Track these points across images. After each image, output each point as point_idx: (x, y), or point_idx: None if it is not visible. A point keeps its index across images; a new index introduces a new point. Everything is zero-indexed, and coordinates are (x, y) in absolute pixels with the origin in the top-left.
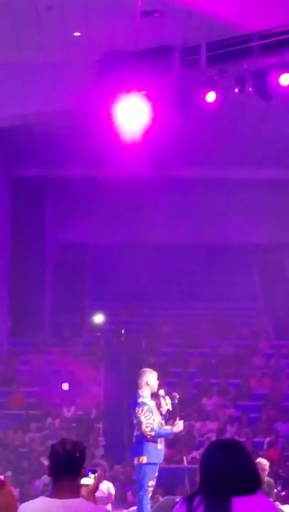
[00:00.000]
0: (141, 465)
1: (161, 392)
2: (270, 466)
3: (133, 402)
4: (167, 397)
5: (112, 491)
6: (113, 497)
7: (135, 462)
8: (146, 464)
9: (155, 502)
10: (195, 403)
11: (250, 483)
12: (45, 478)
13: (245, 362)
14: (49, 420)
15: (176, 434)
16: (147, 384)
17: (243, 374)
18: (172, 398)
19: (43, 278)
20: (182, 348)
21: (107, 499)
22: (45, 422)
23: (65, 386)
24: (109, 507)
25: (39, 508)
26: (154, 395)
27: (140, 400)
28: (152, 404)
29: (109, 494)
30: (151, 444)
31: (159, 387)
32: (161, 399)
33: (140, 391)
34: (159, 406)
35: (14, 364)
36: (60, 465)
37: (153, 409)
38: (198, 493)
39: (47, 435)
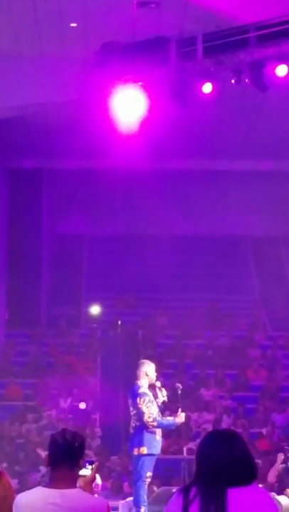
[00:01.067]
0: (140, 456)
1: (158, 383)
2: (266, 457)
3: (132, 392)
4: (163, 389)
5: (99, 481)
6: (100, 487)
7: (135, 453)
8: (146, 454)
9: (151, 493)
10: (192, 394)
11: (247, 474)
12: (43, 470)
13: (242, 353)
14: (46, 411)
15: (177, 425)
16: (146, 375)
17: (239, 365)
18: (175, 389)
19: (40, 269)
20: (179, 339)
21: (94, 489)
22: (41, 413)
23: (82, 405)
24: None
25: (36, 497)
26: (151, 387)
27: (141, 390)
28: (150, 394)
29: (96, 485)
30: (151, 435)
31: (156, 378)
32: (158, 390)
33: (139, 382)
34: (155, 397)
35: (11, 355)
36: (58, 454)
37: (153, 400)
38: (194, 484)
39: (43, 426)
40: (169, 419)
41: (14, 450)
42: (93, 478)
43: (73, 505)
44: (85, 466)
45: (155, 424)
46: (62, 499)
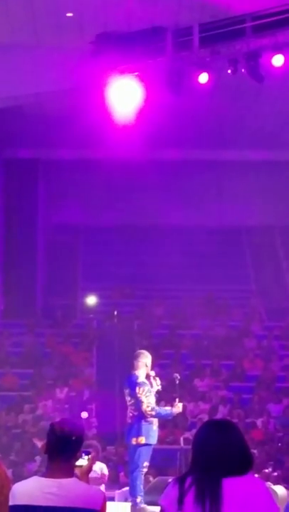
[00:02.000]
0: (137, 445)
1: (152, 373)
2: (262, 447)
3: (130, 382)
4: (157, 378)
5: (106, 471)
6: (106, 478)
7: (133, 443)
8: (144, 444)
9: (147, 482)
10: (187, 384)
11: (242, 463)
12: (38, 459)
13: (238, 343)
14: (42, 402)
15: (174, 415)
16: (145, 365)
17: (235, 355)
18: (173, 379)
19: (36, 259)
20: (174, 329)
21: (100, 480)
22: (37, 404)
23: (84, 415)
24: (102, 487)
25: (32, 487)
26: (146, 377)
27: (140, 380)
28: (149, 384)
29: (103, 475)
30: (149, 425)
31: (152, 368)
32: (152, 380)
33: (136, 372)
34: (150, 387)
35: (6, 346)
36: (56, 445)
37: (151, 390)
38: (189, 474)
39: (39, 416)
40: (167, 409)
41: (10, 440)
42: (90, 469)
43: (69, 495)
44: (80, 456)
45: (153, 413)
46: (58, 488)
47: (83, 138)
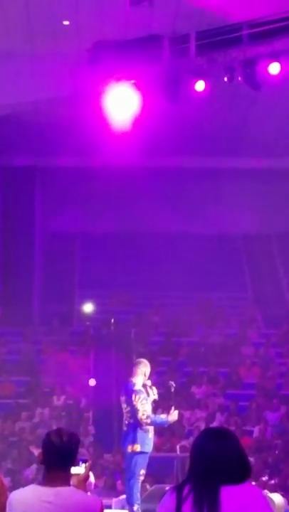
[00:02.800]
0: (134, 453)
1: (148, 382)
2: (259, 454)
3: (126, 389)
4: (154, 388)
5: (92, 479)
6: (93, 486)
7: (129, 450)
8: (140, 452)
9: (144, 491)
10: (184, 392)
11: (240, 472)
12: (34, 467)
13: (235, 351)
14: (39, 409)
15: (170, 423)
16: (144, 374)
17: (232, 363)
18: (168, 387)
19: (32, 267)
20: (171, 337)
21: (88, 487)
22: (34, 411)
23: (92, 382)
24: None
25: (30, 495)
26: (142, 386)
27: (136, 387)
28: (145, 392)
29: (90, 483)
30: (144, 433)
31: (149, 377)
32: (149, 389)
33: (133, 379)
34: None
35: (3, 353)
36: (54, 455)
37: (147, 398)
38: (187, 482)
39: (36, 424)
40: (162, 417)
41: (7, 448)
42: (87, 477)
43: (67, 503)
44: (78, 465)
45: (149, 421)
46: (55, 497)
47: (80, 146)
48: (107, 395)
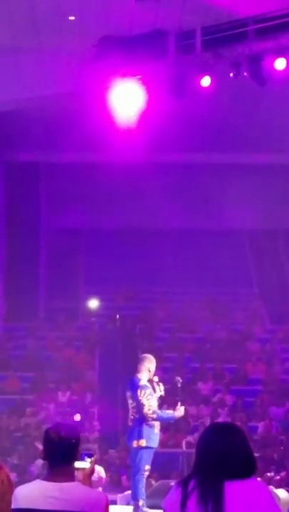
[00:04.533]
0: (139, 448)
1: (155, 378)
2: (264, 450)
3: (132, 385)
4: (161, 384)
5: (103, 474)
6: (104, 481)
7: (134, 445)
8: (145, 447)
9: (149, 486)
10: (190, 388)
11: (246, 467)
12: (39, 462)
13: (240, 347)
14: (44, 405)
15: (176, 419)
16: (149, 370)
17: (238, 359)
18: (175, 382)
19: (38, 263)
20: (177, 333)
21: (97, 483)
22: (40, 407)
23: (77, 417)
24: (100, 490)
25: (35, 490)
26: (148, 381)
27: (141, 383)
28: (151, 387)
29: (100, 478)
30: (149, 428)
31: (154, 372)
32: (155, 385)
33: (139, 375)
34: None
35: (9, 349)
36: (54, 451)
37: (153, 393)
38: (192, 477)
39: (42, 420)
40: (168, 412)
41: (12, 443)
42: (92, 471)
43: (72, 499)
44: (83, 459)
45: (155, 416)
46: (60, 492)
47: (85, 141)
48: (112, 390)
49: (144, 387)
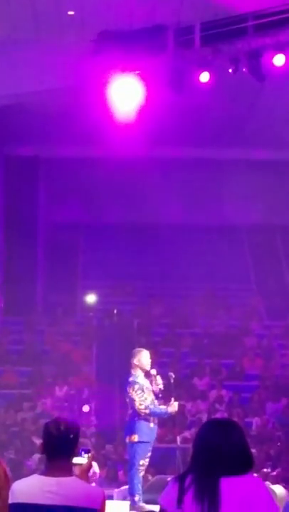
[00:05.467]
0: (132, 443)
1: (153, 371)
2: (261, 446)
3: (126, 381)
4: (158, 377)
5: (97, 470)
6: (98, 476)
7: (127, 441)
8: (138, 442)
9: (145, 481)
10: (187, 383)
11: (243, 463)
12: (36, 457)
13: (238, 342)
14: (41, 399)
15: (170, 414)
16: (138, 363)
17: (235, 354)
18: (168, 378)
19: (36, 257)
20: (174, 328)
21: (91, 478)
22: (37, 401)
23: (86, 408)
24: (93, 485)
25: (32, 485)
26: (147, 374)
27: (131, 379)
28: (145, 383)
29: (94, 473)
30: (143, 423)
31: (152, 366)
32: (153, 378)
33: (132, 370)
34: (151, 385)
35: (6, 343)
36: (53, 446)
37: (144, 388)
38: (189, 473)
39: (39, 414)
40: (162, 407)
41: (9, 438)
42: (89, 467)
43: (69, 493)
44: (80, 454)
45: (147, 411)
46: (58, 487)
47: (84, 136)
48: (109, 385)
49: (132, 382)
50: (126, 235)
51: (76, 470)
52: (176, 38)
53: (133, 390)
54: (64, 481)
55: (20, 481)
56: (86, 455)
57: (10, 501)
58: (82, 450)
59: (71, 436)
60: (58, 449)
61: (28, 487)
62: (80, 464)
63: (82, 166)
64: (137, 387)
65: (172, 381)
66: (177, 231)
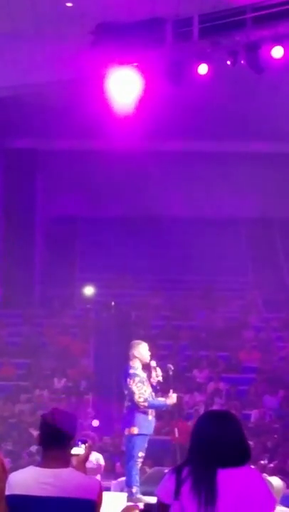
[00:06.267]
0: (131, 436)
1: (153, 363)
2: (258, 438)
3: (124, 373)
4: (158, 369)
5: (102, 461)
6: (103, 468)
7: (126, 433)
8: (137, 434)
9: (143, 473)
10: (185, 376)
11: (240, 455)
12: (34, 448)
13: (235, 335)
14: (38, 391)
15: (168, 406)
16: (138, 355)
17: (232, 347)
18: (166, 370)
19: (33, 250)
20: (172, 320)
21: (96, 470)
22: (34, 393)
23: (95, 423)
24: (98, 477)
25: (29, 477)
26: (146, 367)
27: (131, 371)
28: (144, 375)
29: (99, 465)
30: (142, 415)
31: (150, 359)
32: (152, 370)
33: (131, 362)
34: (149, 377)
35: (4, 335)
36: (49, 436)
37: (144, 381)
38: (186, 464)
39: (36, 406)
40: (161, 400)
41: (7, 430)
42: (86, 457)
43: (65, 485)
44: (77, 445)
45: (146, 404)
46: (54, 479)
47: (82, 128)
48: (106, 377)
49: (133, 375)
50: (124, 228)
51: (73, 461)
52: (174, 30)
53: (134, 383)
54: (60, 472)
55: (17, 473)
56: (83, 445)
57: (6, 493)
58: (79, 440)
59: (67, 427)
60: (53, 439)
61: (24, 479)
62: (77, 455)
63: (81, 159)
64: (137, 379)
65: (171, 373)
66: (176, 224)
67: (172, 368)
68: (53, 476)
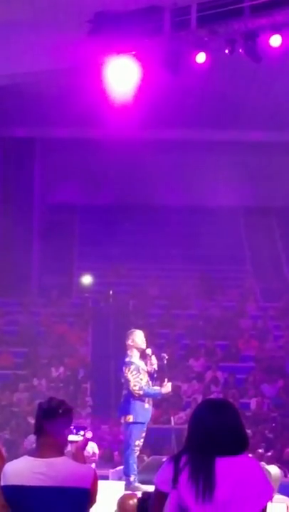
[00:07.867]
0: (128, 424)
1: (148, 351)
2: (256, 427)
3: (122, 362)
4: (153, 357)
5: (96, 450)
6: (97, 456)
7: (122, 421)
8: (133, 423)
9: (141, 462)
10: (182, 364)
11: (237, 443)
12: (32, 437)
13: (233, 324)
14: (36, 380)
15: (163, 395)
16: (133, 343)
17: (230, 336)
18: (161, 359)
19: (31, 238)
20: (170, 309)
21: (91, 458)
22: (32, 382)
23: (89, 434)
24: (93, 466)
25: (22, 467)
26: (143, 355)
27: (127, 359)
28: (140, 364)
29: (94, 454)
30: (138, 403)
31: (147, 347)
32: (148, 358)
33: (128, 351)
34: (146, 366)
35: (2, 324)
36: (42, 419)
37: (140, 369)
38: (184, 452)
39: (34, 395)
40: (156, 388)
41: (5, 418)
42: (84, 445)
43: (59, 474)
44: (75, 433)
45: (141, 392)
46: (48, 468)
47: (80, 117)
48: (104, 366)
49: (128, 363)
50: (122, 217)
51: (72, 447)
52: (172, 18)
53: (129, 371)
54: (53, 461)
55: (11, 463)
56: (81, 432)
57: (1, 483)
58: (75, 428)
59: (60, 410)
60: (46, 423)
61: (19, 469)
62: (76, 442)
63: (78, 148)
64: (132, 367)
65: (165, 362)
66: (173, 213)
67: (166, 357)
68: (46, 465)
